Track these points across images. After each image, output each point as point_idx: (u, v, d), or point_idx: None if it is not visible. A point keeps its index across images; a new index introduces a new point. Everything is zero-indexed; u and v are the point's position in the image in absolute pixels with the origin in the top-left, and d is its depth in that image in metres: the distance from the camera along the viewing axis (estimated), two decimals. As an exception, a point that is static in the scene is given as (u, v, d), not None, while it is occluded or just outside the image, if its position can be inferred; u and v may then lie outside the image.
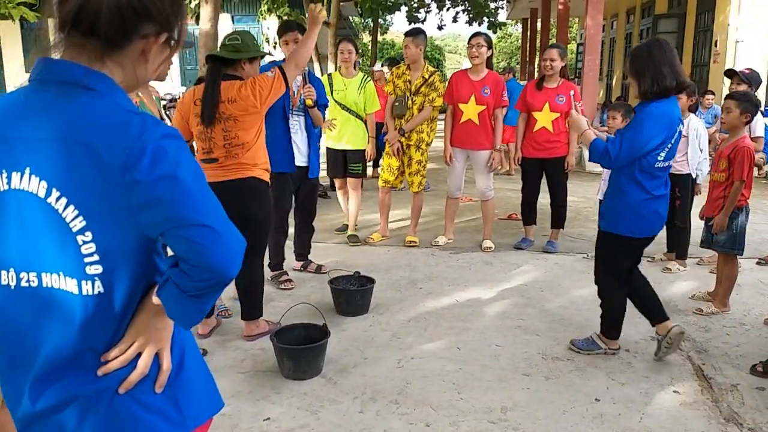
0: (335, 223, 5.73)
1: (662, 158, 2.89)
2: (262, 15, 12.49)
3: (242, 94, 3.05)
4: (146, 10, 1.05)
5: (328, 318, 3.62)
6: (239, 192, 3.12)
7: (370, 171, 7.65)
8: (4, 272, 1.08)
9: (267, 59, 4.18)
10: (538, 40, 17.25)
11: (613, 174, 3.05)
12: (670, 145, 2.88)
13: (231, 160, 3.12)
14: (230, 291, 3.81)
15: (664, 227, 4.76)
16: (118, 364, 1.10)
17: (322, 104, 4.26)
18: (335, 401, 2.78)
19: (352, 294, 3.74)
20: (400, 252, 5.08)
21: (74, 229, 1.03)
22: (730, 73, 4.05)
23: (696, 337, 3.41)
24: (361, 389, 2.88)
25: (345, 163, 5.13)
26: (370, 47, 20.28)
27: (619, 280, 3.13)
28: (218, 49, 3.25)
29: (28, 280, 1.07)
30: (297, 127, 4.11)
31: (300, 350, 2.96)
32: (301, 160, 4.13)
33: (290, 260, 4.51)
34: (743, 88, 3.77)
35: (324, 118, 4.38)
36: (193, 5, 9.66)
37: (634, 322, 3.62)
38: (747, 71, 3.96)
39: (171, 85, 13.35)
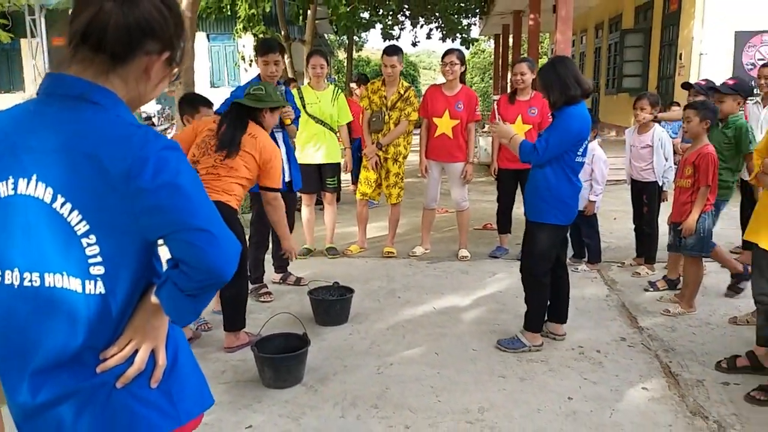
0: (318, 236, 5.60)
1: (580, 153, 3.25)
2: (237, 33, 12.57)
3: (262, 154, 3.28)
4: (151, 28, 1.13)
5: (308, 328, 3.67)
6: None
7: (351, 187, 7.67)
8: (8, 272, 1.15)
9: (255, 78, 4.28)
10: (510, 56, 17.59)
11: (536, 170, 3.30)
12: (585, 143, 3.25)
13: (208, 183, 3.17)
14: (210, 304, 3.84)
15: (633, 232, 4.96)
16: (117, 360, 1.16)
17: (296, 117, 4.36)
18: (316, 408, 2.84)
19: (331, 304, 3.80)
20: (378, 263, 5.16)
21: (79, 233, 1.10)
22: (687, 86, 4.24)
23: (663, 337, 3.54)
24: (341, 395, 2.94)
25: (319, 177, 5.12)
26: (345, 64, 20.49)
27: (545, 272, 3.34)
28: (243, 98, 3.43)
29: (30, 280, 1.13)
30: (278, 143, 4.19)
31: (281, 359, 3.01)
32: (285, 175, 4.22)
33: (270, 273, 4.56)
34: (729, 101, 3.96)
35: (297, 129, 4.46)
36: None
37: (604, 324, 3.76)
38: (703, 82, 4.15)
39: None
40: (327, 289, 3.94)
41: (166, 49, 1.16)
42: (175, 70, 1.22)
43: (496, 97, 9.57)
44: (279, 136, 4.21)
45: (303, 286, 4.44)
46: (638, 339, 3.53)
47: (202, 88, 15.84)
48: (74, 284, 1.12)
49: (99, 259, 1.11)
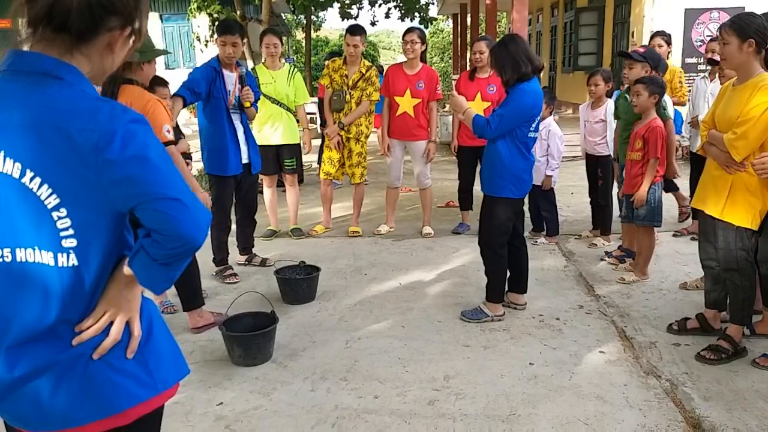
0: (282, 218, 5.55)
1: (533, 129, 3.35)
2: (191, 13, 12.30)
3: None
4: (112, 5, 1.14)
5: (277, 307, 3.70)
6: None
7: (316, 167, 7.62)
8: None
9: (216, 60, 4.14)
10: (468, 35, 17.69)
11: (491, 146, 3.40)
12: (537, 119, 3.35)
13: None
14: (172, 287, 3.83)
15: (589, 206, 5.13)
16: (92, 332, 1.19)
17: (256, 99, 4.31)
18: (286, 383, 2.89)
19: (298, 282, 3.84)
20: (344, 242, 5.20)
21: (49, 206, 1.11)
22: (624, 54, 4.32)
23: (619, 303, 3.71)
24: (311, 370, 3.00)
25: (277, 159, 5.05)
26: (304, 44, 20.25)
27: (502, 243, 3.46)
28: None
29: (2, 256, 1.15)
30: (236, 125, 4.15)
31: (250, 337, 3.04)
32: (243, 158, 4.19)
33: (235, 255, 4.56)
34: (638, 68, 4.06)
35: (257, 112, 4.41)
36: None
37: (563, 293, 3.91)
38: (641, 49, 4.25)
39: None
40: (293, 268, 3.97)
41: (127, 24, 1.18)
42: (137, 44, 1.24)
43: (456, 77, 9.63)
44: (236, 117, 4.17)
45: (269, 267, 4.45)
46: (595, 306, 3.68)
47: (157, 70, 15.51)
48: (46, 258, 1.14)
49: (70, 231, 1.13)
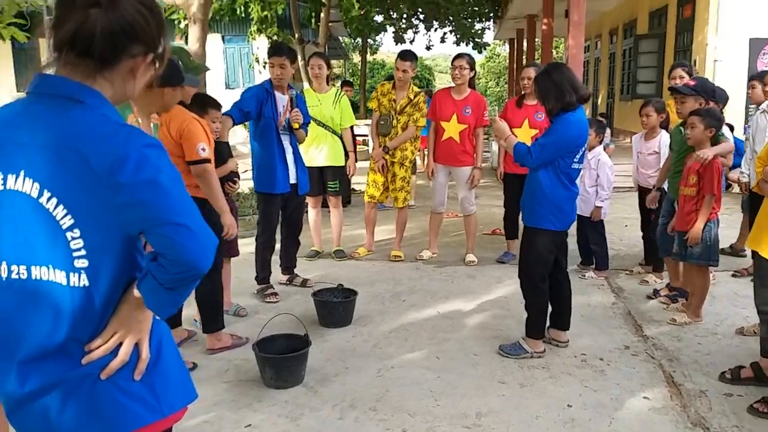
0: (327, 239, 5.59)
1: (576, 160, 3.25)
2: (251, 35, 12.65)
3: (173, 135, 3.10)
4: (135, 32, 1.17)
5: (312, 330, 3.71)
6: None
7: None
8: None
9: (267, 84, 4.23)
10: (524, 60, 17.56)
11: (534, 176, 3.31)
12: (582, 149, 3.24)
13: None
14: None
15: (642, 240, 4.93)
16: (101, 352, 1.20)
17: (306, 122, 4.38)
18: (315, 409, 2.86)
19: (335, 306, 3.82)
20: (385, 266, 5.17)
21: (64, 226, 1.13)
22: (673, 90, 4.17)
23: (668, 346, 3.51)
24: (341, 397, 2.96)
25: (321, 180, 5.10)
26: (360, 68, 20.56)
27: (542, 277, 3.34)
28: None
29: (18, 273, 1.17)
30: (285, 145, 4.23)
31: (281, 359, 3.04)
32: (291, 178, 4.26)
33: (277, 274, 4.59)
34: (690, 102, 3.90)
35: (306, 135, 4.47)
36: (182, 25, 9.79)
37: (608, 331, 3.74)
38: (692, 82, 4.08)
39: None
40: (331, 291, 3.96)
41: (149, 50, 1.20)
42: (159, 70, 1.26)
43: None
44: (286, 138, 4.24)
45: (309, 287, 4.46)
46: (642, 347, 3.50)
47: (216, 89, 15.98)
48: (59, 277, 1.15)
49: (83, 252, 1.14)
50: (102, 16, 1.12)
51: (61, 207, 1.12)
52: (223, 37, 16.62)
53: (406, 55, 5.12)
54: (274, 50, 4.24)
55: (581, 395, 2.96)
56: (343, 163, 5.19)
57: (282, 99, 4.23)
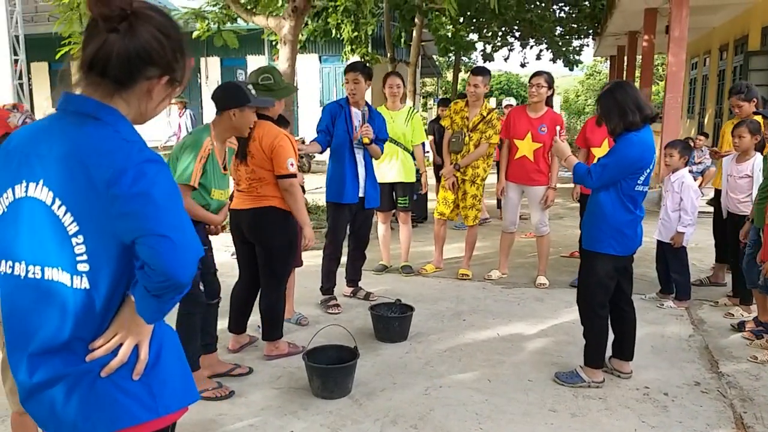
0: (395, 254, 5.67)
1: (641, 182, 3.09)
2: (345, 55, 13.07)
3: (265, 151, 3.27)
4: (149, 56, 1.26)
5: (367, 343, 3.75)
6: (256, 219, 3.33)
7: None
8: (17, 264, 1.31)
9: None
10: (624, 77, 16.85)
11: (595, 197, 3.17)
12: (647, 171, 3.05)
13: (252, 192, 3.34)
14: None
15: (730, 271, 4.57)
16: (103, 352, 1.29)
17: (381, 138, 4.46)
18: (357, 421, 2.87)
19: (390, 321, 3.84)
20: (451, 284, 5.12)
21: (70, 232, 1.24)
22: (759, 113, 3.84)
23: (744, 385, 3.22)
24: (384, 412, 2.96)
25: (391, 196, 5.16)
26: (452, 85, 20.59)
27: (602, 304, 3.18)
28: (251, 86, 3.33)
29: (34, 272, 1.29)
30: (358, 158, 4.37)
31: (328, 370, 3.09)
32: (360, 191, 4.37)
33: (342, 286, 4.68)
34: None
35: (382, 151, 4.54)
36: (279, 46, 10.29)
37: (679, 365, 3.50)
38: None
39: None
40: (388, 305, 3.98)
41: (165, 73, 1.29)
42: (178, 90, 1.35)
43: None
44: (359, 152, 4.36)
45: (372, 301, 4.50)
46: (714, 385, 3.24)
47: (311, 107, 16.59)
48: (65, 278, 1.25)
49: (85, 257, 1.24)
50: (119, 41, 1.23)
51: (68, 214, 1.23)
52: (319, 57, 17.25)
53: (479, 71, 5.10)
54: (349, 66, 4.42)
55: (636, 431, 2.78)
56: (413, 180, 5.24)
57: (357, 114, 4.36)
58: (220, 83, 3.21)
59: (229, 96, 2.97)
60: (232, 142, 3.21)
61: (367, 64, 12.66)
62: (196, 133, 2.97)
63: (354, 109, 4.39)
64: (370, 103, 4.57)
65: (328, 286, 4.49)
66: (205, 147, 2.86)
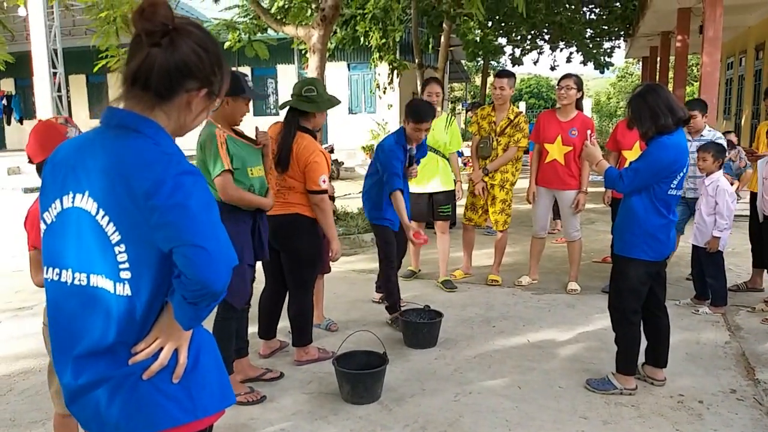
0: (425, 259, 5.68)
1: (674, 186, 3.05)
2: (374, 62, 13.14)
3: (299, 163, 3.32)
4: (189, 70, 1.32)
5: (397, 349, 3.76)
6: (283, 225, 3.36)
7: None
8: (64, 271, 1.37)
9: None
10: (657, 79, 16.55)
11: (627, 201, 3.14)
12: (681, 174, 3.02)
13: (279, 198, 3.37)
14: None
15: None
16: (144, 355, 1.34)
17: (419, 157, 4.38)
18: (387, 427, 2.89)
19: (419, 327, 3.85)
20: (481, 290, 5.10)
21: (113, 241, 1.30)
22: None
23: (783, 394, 3.14)
24: (413, 418, 2.97)
25: (430, 206, 5.07)
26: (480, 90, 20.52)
27: (634, 310, 3.14)
28: (294, 97, 3.46)
29: (80, 279, 1.35)
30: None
31: (358, 375, 3.11)
32: None
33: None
34: None
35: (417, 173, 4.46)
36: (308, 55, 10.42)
37: (715, 373, 3.44)
38: None
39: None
40: (417, 312, 3.98)
41: (204, 86, 1.35)
42: (216, 102, 1.40)
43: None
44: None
45: (401, 307, 4.50)
46: (751, 393, 3.16)
47: (340, 114, 16.72)
48: (109, 285, 1.31)
49: (126, 265, 1.29)
50: (161, 55, 1.29)
51: (111, 224, 1.29)
52: (348, 65, 17.39)
53: (503, 73, 5.08)
54: (421, 115, 4.08)
55: (670, 439, 2.74)
56: (453, 187, 5.13)
57: (411, 151, 4.23)
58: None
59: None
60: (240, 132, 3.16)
61: (395, 71, 12.54)
62: (204, 130, 3.01)
63: (408, 146, 4.22)
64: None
65: (391, 300, 4.25)
66: (219, 135, 2.91)
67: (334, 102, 3.52)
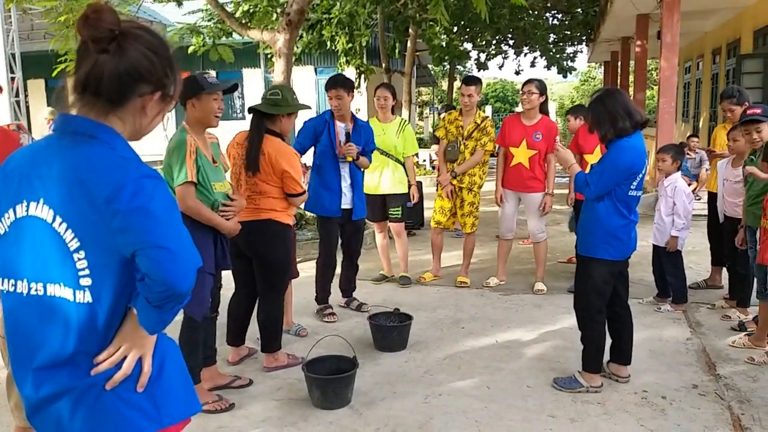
0: (395, 263, 5.69)
1: (634, 187, 3.12)
2: (341, 66, 13.14)
3: (274, 167, 3.33)
4: (140, 74, 1.30)
5: (367, 353, 3.76)
6: (254, 232, 3.33)
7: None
8: (19, 282, 1.33)
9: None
10: (618, 83, 16.95)
11: (589, 203, 3.21)
12: (640, 176, 3.09)
13: (251, 204, 3.35)
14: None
15: (726, 273, 4.60)
16: (107, 365, 1.31)
17: (369, 150, 4.48)
18: (357, 431, 2.88)
19: (389, 330, 3.85)
20: (450, 292, 5.14)
21: (71, 248, 1.27)
22: (746, 122, 3.89)
23: (742, 387, 3.24)
24: (383, 421, 2.97)
25: (384, 207, 5.14)
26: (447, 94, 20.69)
27: (598, 309, 3.20)
28: (260, 103, 3.48)
29: (36, 289, 1.32)
30: (343, 173, 4.35)
31: (327, 380, 3.10)
32: (345, 203, 4.37)
33: (337, 296, 4.70)
34: (766, 130, 3.67)
35: (370, 161, 4.57)
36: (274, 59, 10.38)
37: (677, 369, 3.52)
38: (758, 110, 3.84)
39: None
40: (387, 315, 3.99)
41: (157, 89, 1.33)
42: (171, 104, 1.38)
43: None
44: (344, 165, 4.35)
45: (365, 312, 4.51)
46: (712, 387, 3.25)
47: (307, 117, 16.68)
48: (68, 294, 1.28)
49: (87, 272, 1.26)
50: (109, 61, 1.27)
51: (69, 231, 1.26)
52: (315, 69, 17.35)
53: (470, 81, 5.14)
54: (330, 82, 4.37)
55: (635, 435, 2.80)
56: (405, 191, 5.19)
57: (342, 128, 4.35)
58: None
59: (184, 88, 2.96)
60: (211, 136, 3.14)
61: (362, 76, 12.59)
62: (175, 135, 2.96)
63: (339, 123, 4.37)
64: (356, 115, 4.58)
65: (322, 295, 4.52)
66: (189, 143, 2.86)
67: (298, 107, 3.53)
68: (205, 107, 2.93)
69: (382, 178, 5.11)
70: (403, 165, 5.17)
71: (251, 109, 3.46)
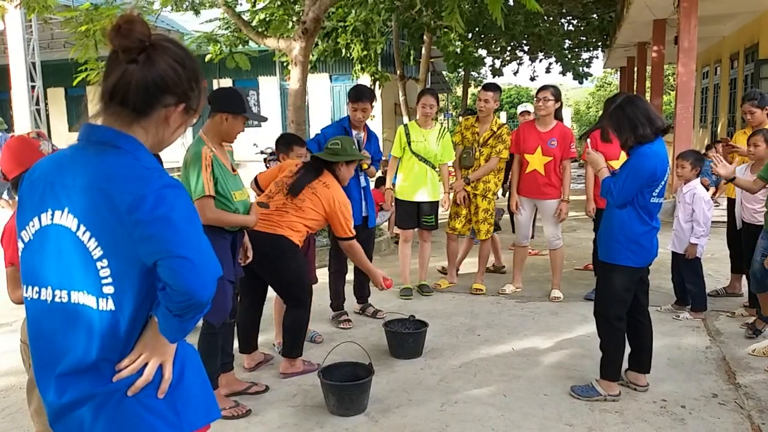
0: (415, 269, 5.47)
1: (656, 194, 3.10)
2: (355, 74, 13.20)
3: (326, 208, 3.49)
4: (167, 85, 1.33)
5: (382, 360, 3.76)
6: (264, 244, 3.32)
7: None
8: (43, 289, 1.36)
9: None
10: (635, 88, 16.84)
11: (610, 210, 3.19)
12: (662, 183, 3.07)
13: (272, 217, 3.40)
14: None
15: (746, 280, 4.53)
16: (129, 372, 1.33)
17: (376, 159, 4.52)
18: (373, 438, 2.88)
19: (405, 337, 3.85)
20: (465, 299, 5.12)
21: (95, 257, 1.29)
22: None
23: (762, 396, 3.19)
24: (399, 429, 2.97)
25: (418, 215, 5.09)
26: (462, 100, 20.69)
27: (619, 316, 3.17)
28: (322, 152, 3.73)
29: (60, 297, 1.34)
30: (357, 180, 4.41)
31: (343, 387, 3.11)
32: (363, 211, 4.44)
33: (353, 302, 4.71)
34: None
35: (377, 171, 4.62)
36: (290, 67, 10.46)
37: (696, 377, 3.48)
38: None
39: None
40: (402, 322, 3.99)
41: (181, 101, 1.36)
42: (194, 117, 1.40)
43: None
44: (361, 175, 4.40)
45: (380, 318, 4.51)
46: (732, 396, 3.21)
47: (322, 124, 16.76)
48: (91, 301, 1.30)
49: (109, 280, 1.29)
50: (138, 71, 1.29)
51: (93, 240, 1.29)
52: (330, 76, 17.45)
53: (489, 86, 5.14)
54: (358, 95, 4.38)
55: (654, 444, 2.76)
56: (439, 198, 5.17)
57: (358, 137, 4.40)
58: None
59: (227, 99, 3.00)
60: (227, 144, 3.16)
61: (377, 83, 12.63)
62: (192, 147, 2.99)
63: (355, 132, 4.44)
64: (367, 124, 4.60)
65: (337, 302, 4.52)
66: (206, 155, 2.88)
67: (356, 156, 3.74)
68: (235, 127, 3.01)
69: (421, 186, 5.03)
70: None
71: (313, 157, 3.66)
